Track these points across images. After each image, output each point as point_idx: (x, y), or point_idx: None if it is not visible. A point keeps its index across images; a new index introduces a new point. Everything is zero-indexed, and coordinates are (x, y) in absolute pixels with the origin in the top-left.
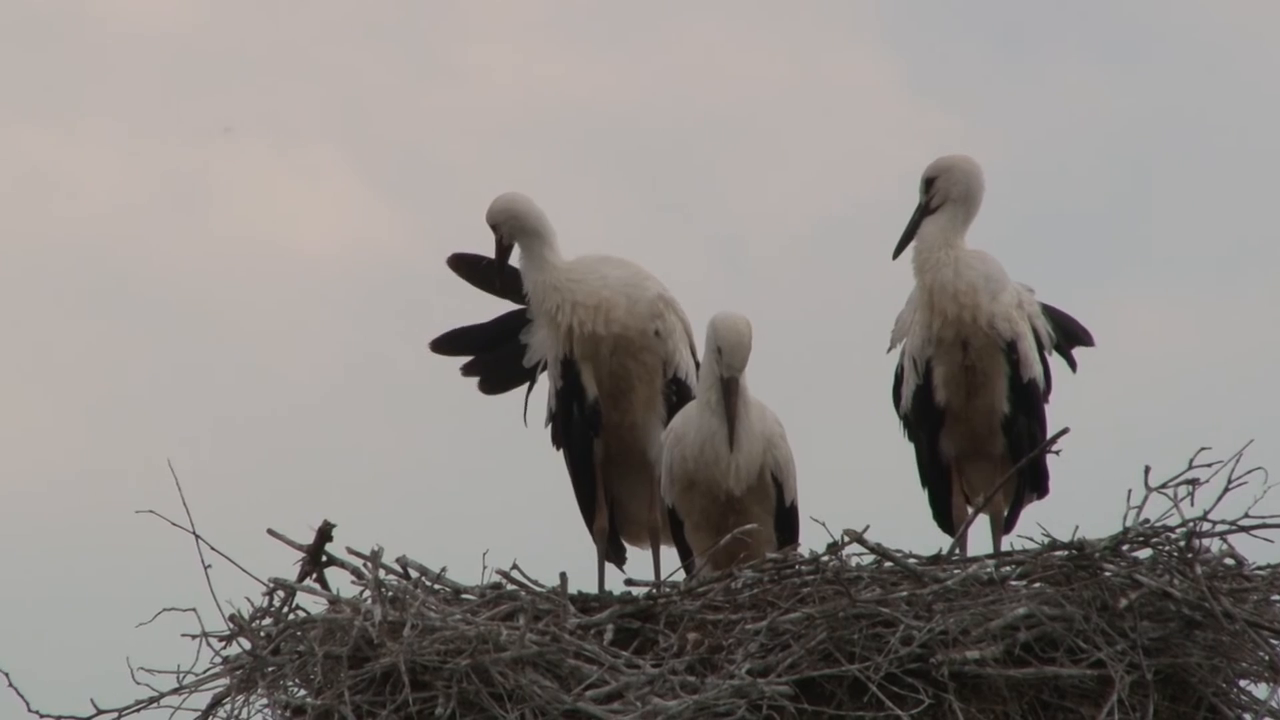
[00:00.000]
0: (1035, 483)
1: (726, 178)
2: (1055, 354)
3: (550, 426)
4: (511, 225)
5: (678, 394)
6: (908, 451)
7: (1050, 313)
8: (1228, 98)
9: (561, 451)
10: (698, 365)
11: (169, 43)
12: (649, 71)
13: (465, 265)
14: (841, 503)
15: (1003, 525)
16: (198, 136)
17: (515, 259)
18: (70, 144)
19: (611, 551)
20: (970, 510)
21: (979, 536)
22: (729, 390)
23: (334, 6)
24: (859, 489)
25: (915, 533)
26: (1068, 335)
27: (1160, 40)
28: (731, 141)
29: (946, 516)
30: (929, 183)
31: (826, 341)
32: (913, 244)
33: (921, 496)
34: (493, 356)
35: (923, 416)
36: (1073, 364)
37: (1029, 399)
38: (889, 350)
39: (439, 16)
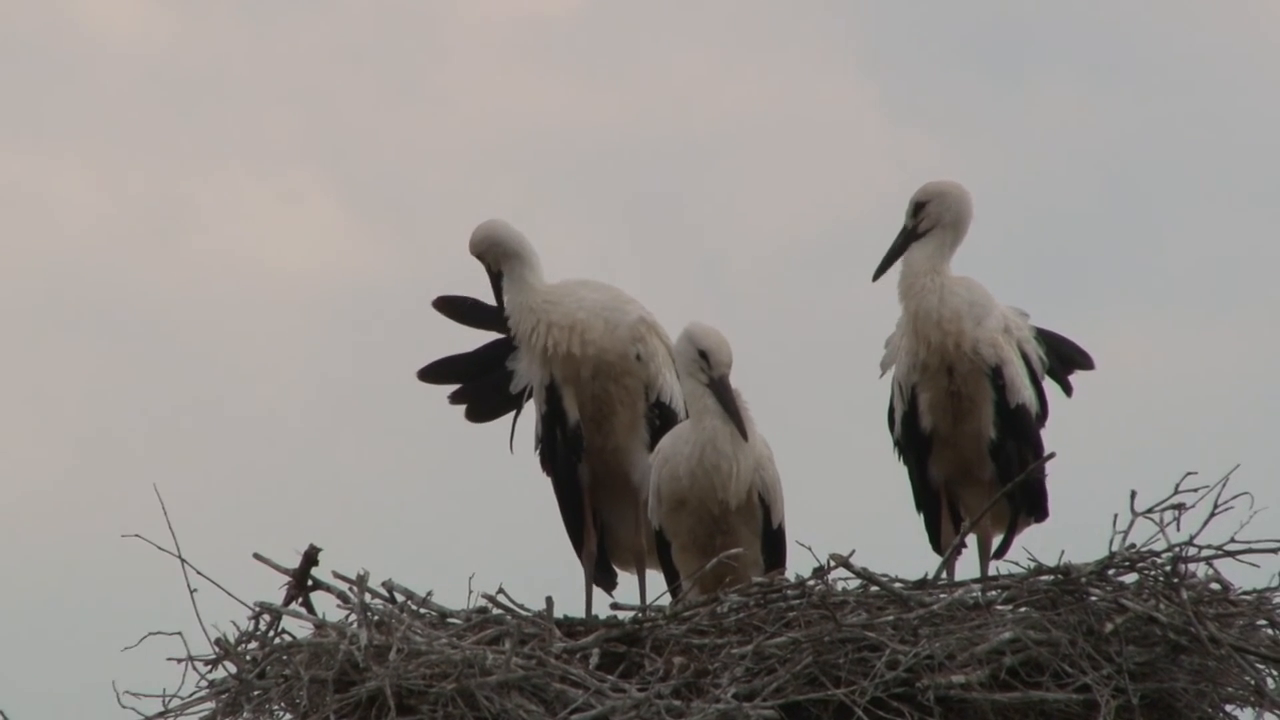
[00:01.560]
0: (1032, 506)
1: (705, 202)
2: (1048, 378)
3: (539, 451)
4: (495, 252)
5: (661, 418)
6: (893, 475)
7: (1045, 336)
8: (1214, 116)
9: (549, 476)
10: None
11: (148, 65)
12: (628, 97)
13: (451, 306)
14: (827, 528)
15: (990, 550)
16: (178, 158)
17: None
18: (49, 165)
19: (601, 577)
20: (956, 535)
21: (968, 561)
22: (724, 388)
23: (314, 30)
24: (844, 513)
25: (901, 557)
26: (1063, 359)
27: (1144, 59)
28: (710, 166)
29: (939, 541)
30: (919, 206)
31: (807, 365)
32: (898, 269)
33: (906, 521)
34: (480, 385)
35: (910, 442)
36: (1068, 389)
37: (1018, 424)
38: (880, 377)
39: (419, 41)
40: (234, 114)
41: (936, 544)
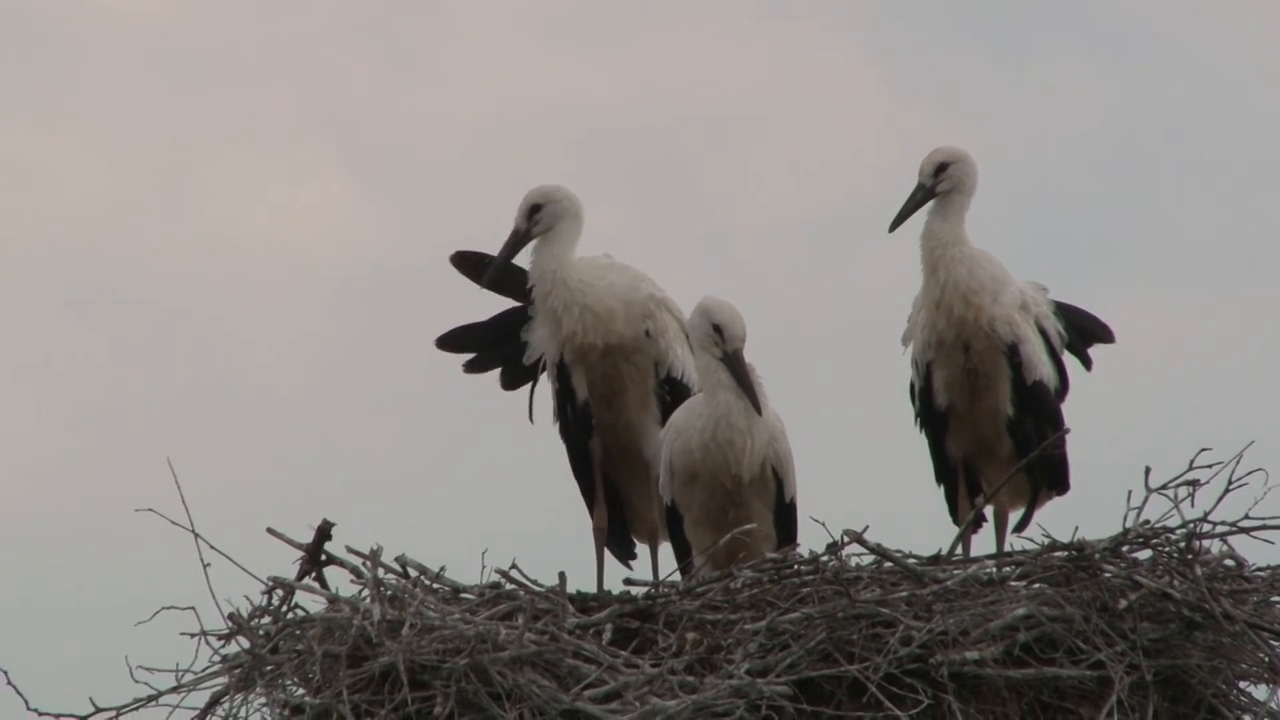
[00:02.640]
0: (1053, 480)
1: (710, 179)
2: (1068, 353)
3: (557, 422)
4: (556, 209)
5: (672, 393)
6: (905, 450)
7: (1065, 311)
8: (1219, 97)
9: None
10: None
11: (154, 41)
12: (632, 73)
13: (467, 263)
14: (840, 503)
15: (1008, 526)
16: (183, 134)
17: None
18: (55, 141)
19: (621, 549)
20: (969, 516)
21: (984, 536)
22: (738, 362)
23: (319, 6)
24: (857, 489)
25: (915, 533)
26: (1083, 333)
27: (1150, 39)
28: (715, 142)
29: (958, 514)
30: (942, 167)
31: (814, 340)
32: (920, 240)
33: (920, 496)
34: (497, 354)
35: (928, 418)
36: (1087, 362)
37: (1036, 401)
38: (903, 353)
39: (423, 18)
40: (239, 90)
41: (955, 517)
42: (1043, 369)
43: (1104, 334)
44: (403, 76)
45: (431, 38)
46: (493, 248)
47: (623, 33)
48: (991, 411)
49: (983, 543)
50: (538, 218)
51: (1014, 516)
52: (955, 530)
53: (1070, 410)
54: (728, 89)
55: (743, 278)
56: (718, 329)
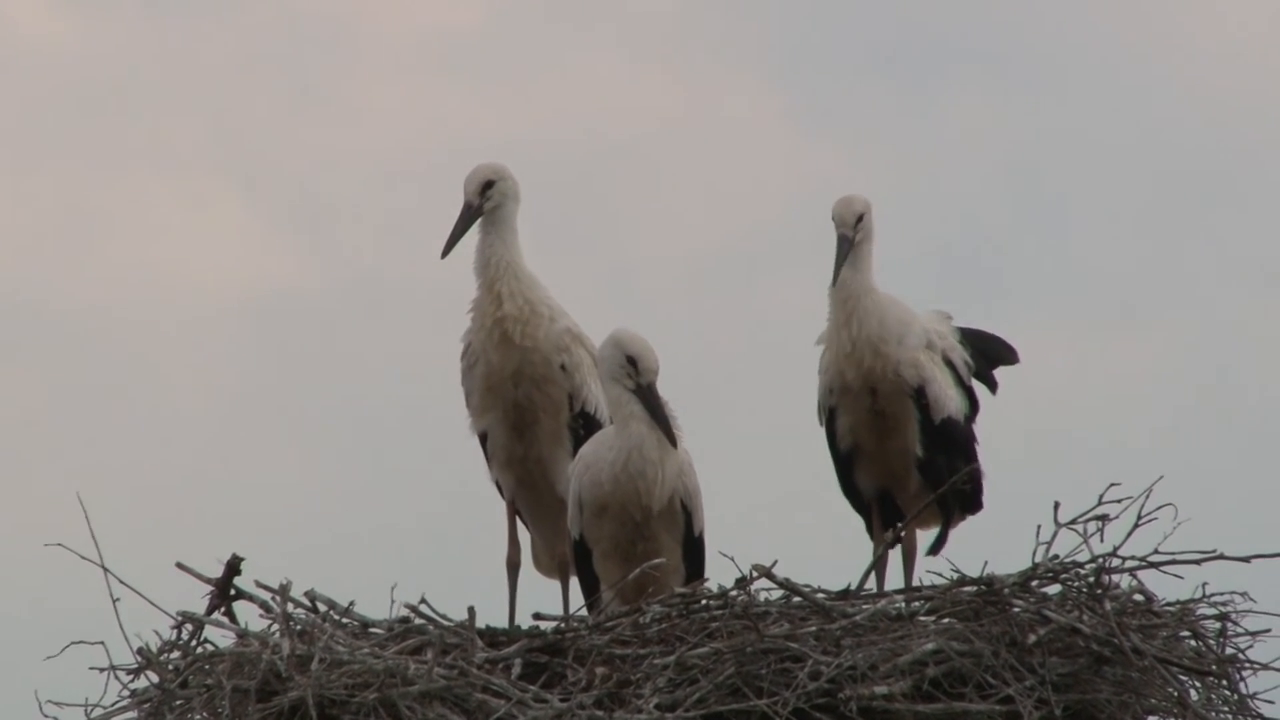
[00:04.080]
0: (966, 504)
1: (612, 210)
2: (975, 380)
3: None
4: (510, 188)
5: (585, 428)
6: (817, 484)
7: (969, 336)
8: (1125, 121)
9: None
10: None
11: (56, 69)
12: (536, 104)
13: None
14: (746, 538)
15: (916, 557)
16: (86, 164)
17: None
18: None
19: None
20: (885, 543)
21: (894, 568)
22: (652, 394)
23: (223, 37)
24: (765, 523)
25: (824, 567)
26: (989, 357)
27: (1052, 69)
28: (616, 174)
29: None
30: (859, 217)
31: (716, 372)
32: (832, 291)
33: (829, 530)
34: None
35: (834, 458)
36: (993, 386)
37: (946, 437)
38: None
39: (323, 49)
40: (140, 120)
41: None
42: (951, 405)
43: (1009, 355)
44: (306, 107)
45: (335, 68)
46: (393, 282)
47: (526, 63)
48: (901, 451)
49: (893, 574)
50: (489, 194)
51: (926, 539)
52: (864, 564)
53: (980, 438)
54: (627, 119)
55: (643, 309)
56: (631, 361)
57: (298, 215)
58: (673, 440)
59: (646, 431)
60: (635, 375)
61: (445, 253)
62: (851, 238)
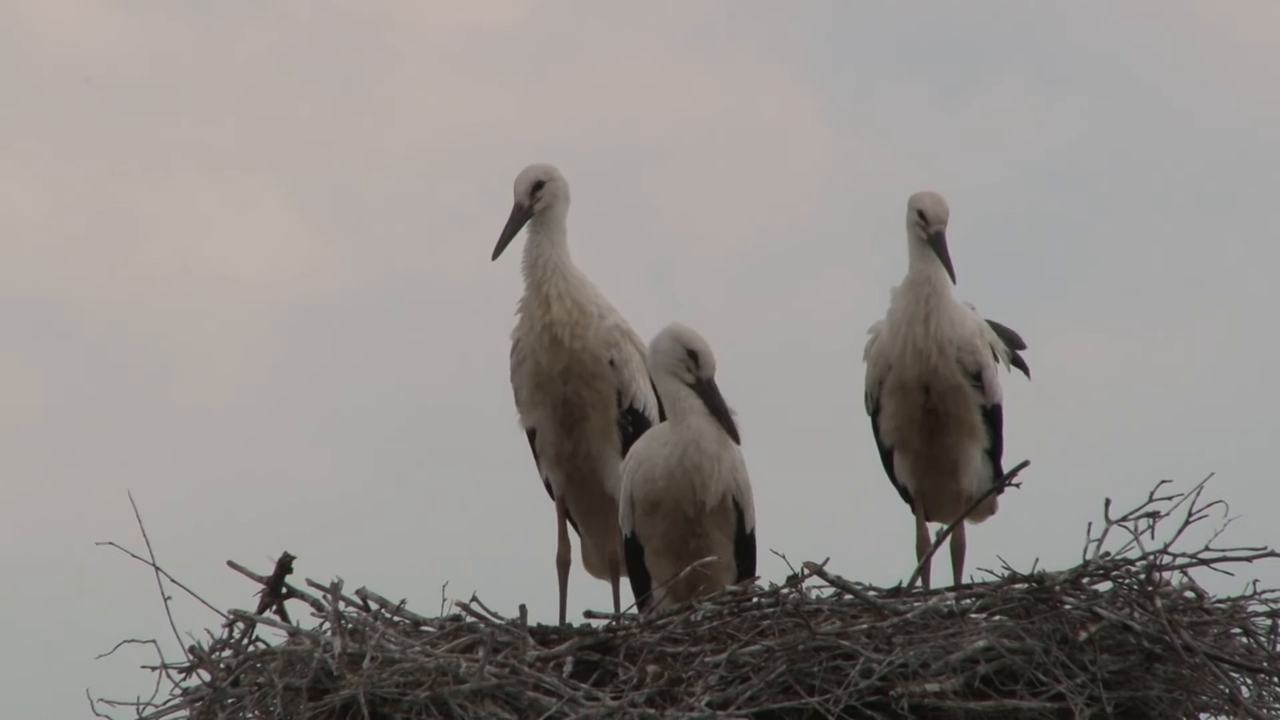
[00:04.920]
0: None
1: (654, 209)
2: (1014, 367)
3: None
4: (559, 189)
5: (634, 425)
6: (866, 481)
7: (993, 326)
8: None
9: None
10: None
11: (95, 70)
12: (573, 101)
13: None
14: (799, 535)
15: (964, 551)
16: (126, 165)
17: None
18: None
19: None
20: (933, 540)
21: (942, 564)
22: (713, 389)
23: (261, 36)
24: (816, 521)
25: (875, 564)
26: (1010, 344)
27: (1095, 69)
28: (658, 173)
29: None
30: (927, 214)
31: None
32: (911, 285)
33: (880, 527)
34: None
35: (879, 446)
36: (1027, 370)
37: (995, 424)
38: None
39: (364, 49)
40: (181, 118)
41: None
42: (999, 392)
43: (1020, 341)
44: (345, 105)
45: (376, 67)
46: (439, 280)
47: (567, 62)
48: (947, 448)
49: (941, 571)
50: (539, 194)
51: (974, 533)
52: (913, 561)
53: (1031, 439)
54: (666, 117)
55: (685, 308)
56: (692, 355)
57: (338, 214)
58: (735, 435)
59: (705, 425)
60: (695, 370)
61: (496, 254)
62: (940, 234)
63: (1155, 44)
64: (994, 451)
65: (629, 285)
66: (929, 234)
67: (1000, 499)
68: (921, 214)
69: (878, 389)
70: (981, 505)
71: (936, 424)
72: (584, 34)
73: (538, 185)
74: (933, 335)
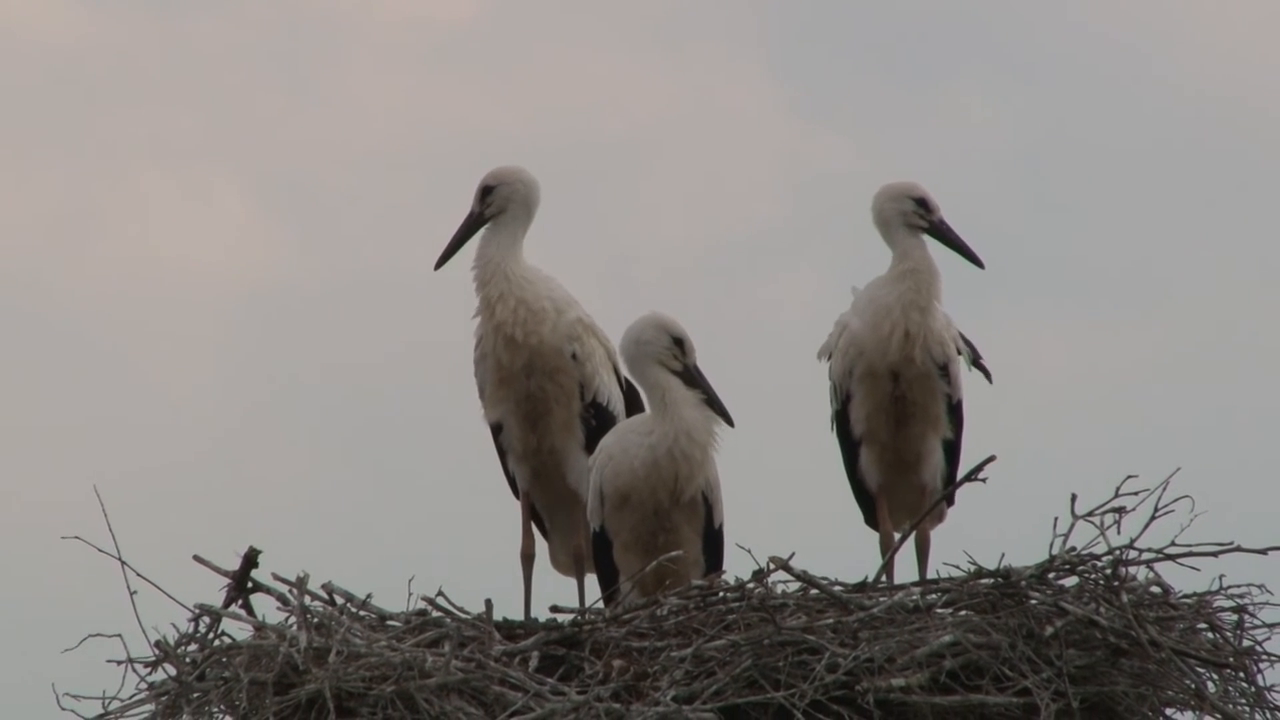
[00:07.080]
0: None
1: (611, 204)
2: (974, 368)
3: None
4: (515, 194)
5: (597, 418)
6: (829, 476)
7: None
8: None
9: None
10: (624, 391)
11: (53, 62)
12: (529, 96)
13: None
14: (765, 531)
15: (929, 546)
16: (85, 157)
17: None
18: None
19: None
20: (897, 536)
21: (908, 560)
22: (700, 374)
23: (217, 29)
24: (779, 516)
25: (840, 559)
26: (969, 345)
27: (1054, 61)
28: (615, 168)
29: (878, 527)
30: (922, 200)
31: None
32: (907, 267)
33: (845, 522)
34: None
35: (842, 444)
36: (988, 375)
37: (958, 420)
38: (822, 368)
39: (319, 42)
40: (139, 113)
41: (873, 524)
42: (962, 389)
43: (978, 354)
44: (304, 100)
45: (333, 61)
46: (399, 272)
47: (524, 55)
48: (915, 437)
49: (906, 570)
50: (490, 199)
51: (938, 532)
52: (878, 557)
53: (996, 434)
54: (626, 112)
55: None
56: (678, 342)
57: (293, 205)
58: (728, 418)
59: (696, 416)
60: (682, 356)
61: (439, 264)
62: (938, 221)
63: (1117, 35)
64: (953, 449)
65: (588, 280)
66: (931, 221)
67: (960, 496)
68: (923, 202)
69: (847, 379)
70: (932, 513)
71: (903, 413)
72: (542, 26)
73: (487, 190)
74: (927, 322)
